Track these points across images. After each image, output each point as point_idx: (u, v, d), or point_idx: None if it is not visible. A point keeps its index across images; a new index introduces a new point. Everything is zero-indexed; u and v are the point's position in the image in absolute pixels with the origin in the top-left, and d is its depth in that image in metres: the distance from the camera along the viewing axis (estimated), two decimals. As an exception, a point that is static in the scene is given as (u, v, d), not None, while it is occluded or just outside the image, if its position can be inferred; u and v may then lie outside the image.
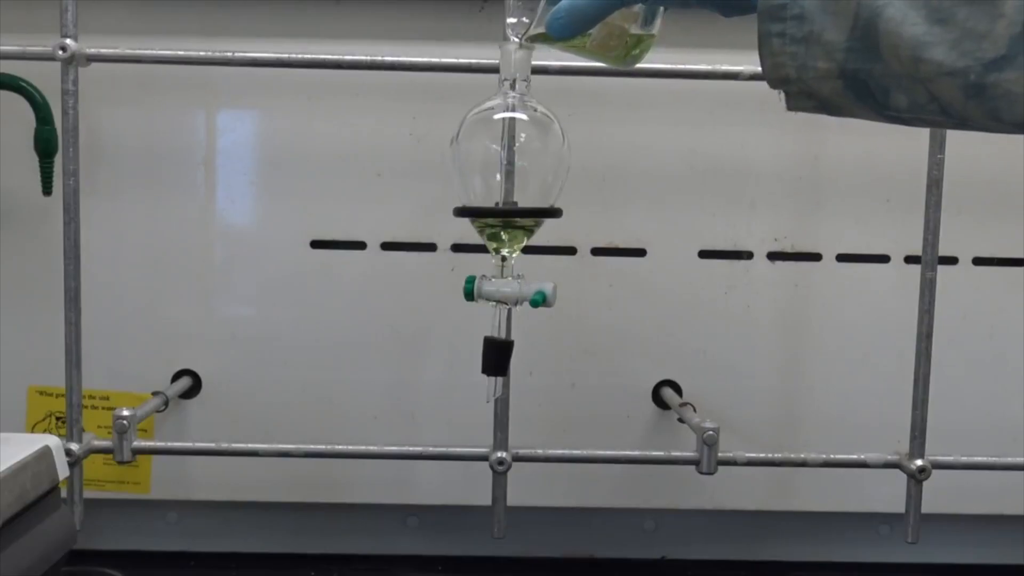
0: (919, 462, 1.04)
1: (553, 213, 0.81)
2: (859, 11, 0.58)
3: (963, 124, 0.60)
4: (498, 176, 0.78)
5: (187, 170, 1.13)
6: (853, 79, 0.60)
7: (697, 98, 1.11)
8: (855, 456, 1.06)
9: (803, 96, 0.63)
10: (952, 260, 1.13)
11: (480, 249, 1.12)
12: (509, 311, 0.77)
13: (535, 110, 0.79)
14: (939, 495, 1.07)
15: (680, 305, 1.15)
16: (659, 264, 1.14)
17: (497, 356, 0.77)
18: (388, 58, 1.01)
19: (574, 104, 1.11)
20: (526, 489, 1.09)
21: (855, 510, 1.19)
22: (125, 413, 1.00)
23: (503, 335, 0.77)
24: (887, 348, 1.14)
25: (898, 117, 0.62)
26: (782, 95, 0.64)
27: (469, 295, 0.77)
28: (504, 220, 0.77)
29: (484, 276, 0.77)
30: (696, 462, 1.03)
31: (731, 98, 1.10)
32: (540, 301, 0.75)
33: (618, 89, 1.09)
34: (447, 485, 1.15)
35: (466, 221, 1.04)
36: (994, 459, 1.07)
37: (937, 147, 1.00)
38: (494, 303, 0.77)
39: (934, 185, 1.01)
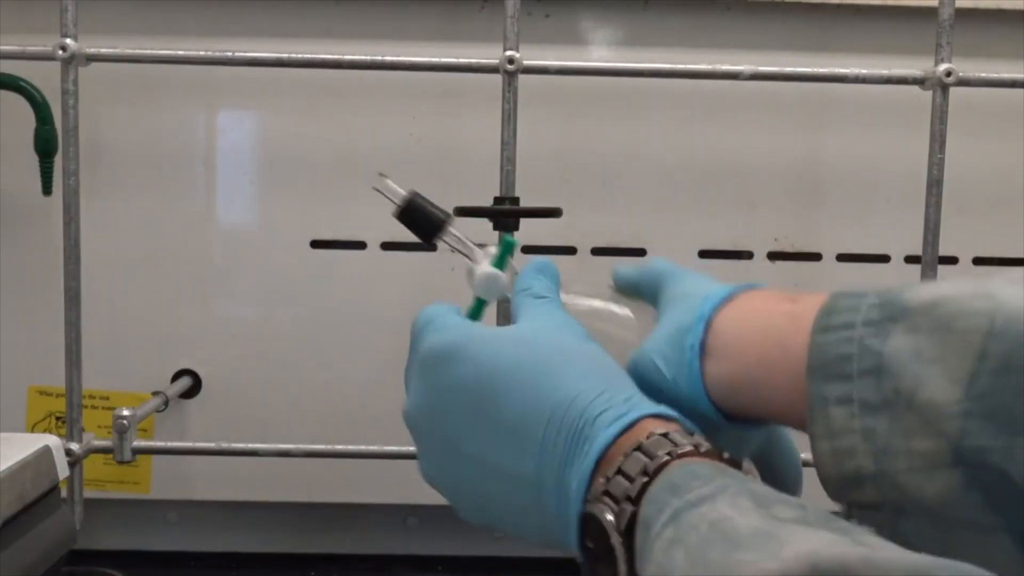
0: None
1: (553, 212, 0.81)
2: (987, 347, 0.36)
3: None
4: None
5: (187, 170, 1.13)
6: (978, 468, 0.36)
7: (697, 98, 1.11)
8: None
9: (882, 520, 0.39)
10: (952, 260, 1.13)
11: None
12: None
13: None
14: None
15: (680, 305, 1.15)
16: (659, 264, 1.14)
17: (424, 216, 0.61)
18: (388, 58, 1.01)
19: (574, 104, 1.11)
20: (526, 489, 1.09)
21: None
22: (125, 413, 1.00)
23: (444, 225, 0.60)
24: (887, 348, 1.14)
25: None
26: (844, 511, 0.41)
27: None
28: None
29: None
30: (696, 462, 1.02)
31: (731, 98, 1.10)
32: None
33: (618, 89, 1.09)
34: (447, 485, 1.15)
35: (466, 221, 1.05)
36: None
37: (937, 147, 1.00)
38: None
39: (934, 185, 1.01)
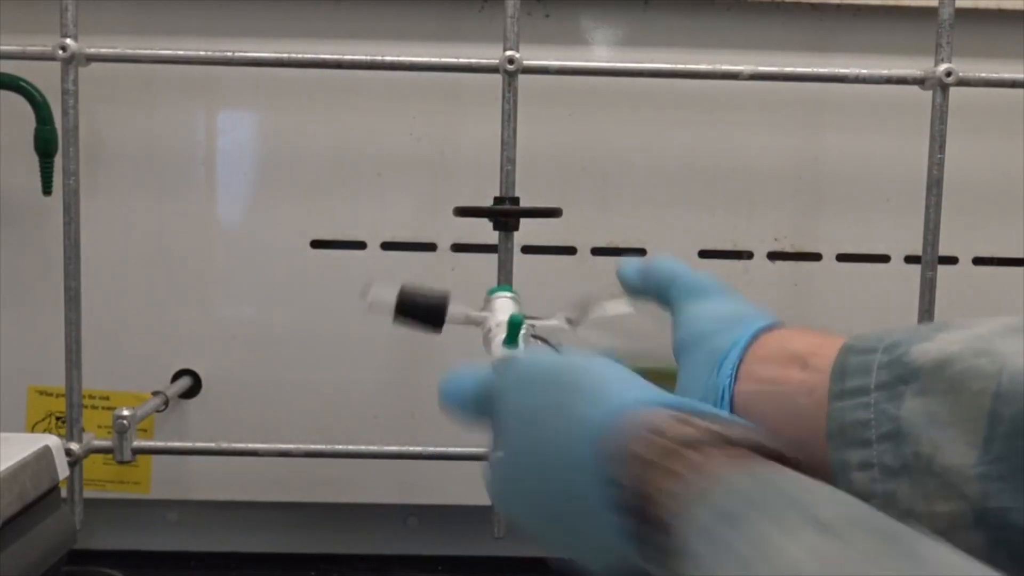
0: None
1: (553, 212, 0.81)
2: (997, 408, 0.36)
3: None
4: None
5: (187, 170, 1.13)
6: (1002, 528, 0.36)
7: (697, 98, 1.11)
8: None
9: None
10: (952, 260, 1.13)
11: (480, 249, 1.12)
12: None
13: None
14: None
15: (680, 305, 1.15)
16: (659, 264, 1.14)
17: (424, 308, 0.61)
18: (388, 58, 1.01)
19: (574, 104, 1.11)
20: (526, 489, 1.09)
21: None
22: (125, 413, 1.00)
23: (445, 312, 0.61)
24: (887, 348, 1.14)
25: None
26: None
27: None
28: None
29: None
30: (696, 462, 1.02)
31: (731, 98, 1.10)
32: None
33: (618, 89, 1.09)
34: (447, 485, 1.15)
35: (466, 221, 1.05)
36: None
37: (937, 147, 1.00)
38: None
39: (934, 185, 1.01)
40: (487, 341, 0.58)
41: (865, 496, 0.38)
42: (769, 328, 0.49)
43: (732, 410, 0.47)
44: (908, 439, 0.39)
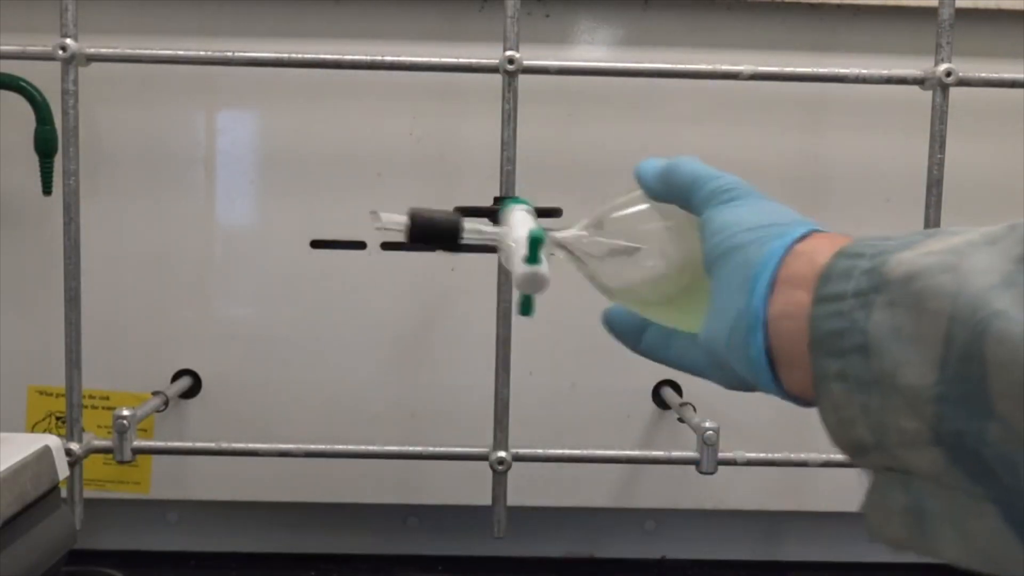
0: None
1: (553, 212, 0.81)
2: (952, 332, 0.36)
3: None
4: None
5: (187, 170, 1.13)
6: (957, 447, 0.37)
7: (697, 98, 1.11)
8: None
9: (896, 480, 0.40)
10: (952, 260, 1.13)
11: (480, 248, 1.12)
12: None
13: None
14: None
15: (680, 305, 1.15)
16: (659, 264, 1.14)
17: (440, 227, 0.58)
18: (388, 58, 1.01)
19: (574, 104, 1.11)
20: (526, 489, 1.09)
21: (856, 510, 1.19)
22: (125, 413, 1.00)
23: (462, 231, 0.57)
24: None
25: None
26: (865, 480, 0.43)
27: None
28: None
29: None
30: (696, 462, 1.02)
31: (731, 98, 1.10)
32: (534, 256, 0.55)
33: (618, 89, 1.09)
34: (447, 485, 1.15)
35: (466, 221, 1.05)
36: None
37: (937, 147, 1.00)
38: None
39: (934, 185, 1.01)
40: (507, 258, 0.56)
41: (842, 406, 0.41)
42: (803, 237, 0.47)
43: (766, 335, 0.45)
44: (875, 353, 0.39)
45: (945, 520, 0.39)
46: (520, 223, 0.57)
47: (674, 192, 0.54)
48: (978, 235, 0.40)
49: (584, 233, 0.58)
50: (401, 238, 0.57)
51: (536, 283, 0.54)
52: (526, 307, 0.55)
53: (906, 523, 0.40)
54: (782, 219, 0.49)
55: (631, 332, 0.58)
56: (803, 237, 0.47)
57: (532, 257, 0.54)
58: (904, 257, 0.40)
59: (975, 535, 0.38)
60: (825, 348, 0.41)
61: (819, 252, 0.44)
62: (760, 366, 0.46)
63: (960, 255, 0.38)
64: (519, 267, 0.53)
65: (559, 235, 0.58)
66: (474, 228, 0.57)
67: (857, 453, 0.42)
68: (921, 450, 0.38)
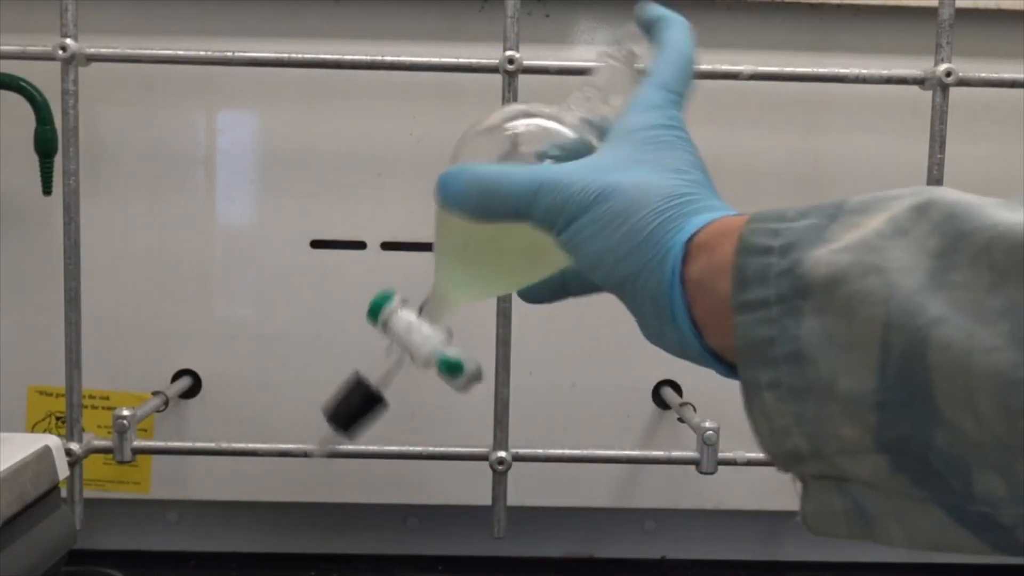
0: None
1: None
2: (888, 338, 0.36)
3: None
4: None
5: (187, 170, 1.13)
6: (901, 453, 0.37)
7: (697, 98, 1.10)
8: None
9: (832, 485, 0.40)
10: (952, 260, 1.13)
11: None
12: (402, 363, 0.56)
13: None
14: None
15: (680, 305, 1.14)
16: (659, 264, 1.14)
17: (358, 406, 0.58)
18: (388, 58, 1.01)
19: (574, 104, 1.11)
20: (526, 489, 1.09)
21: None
22: (125, 413, 1.00)
23: (376, 386, 0.57)
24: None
25: (995, 520, 0.36)
26: (798, 486, 0.43)
27: (374, 313, 0.56)
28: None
29: (403, 303, 0.55)
30: (696, 462, 1.03)
31: (731, 98, 1.10)
32: (452, 369, 0.53)
33: (618, 89, 1.09)
34: (447, 485, 1.15)
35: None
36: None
37: (937, 147, 1.00)
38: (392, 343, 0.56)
39: (934, 185, 1.01)
40: (416, 356, 0.54)
41: (775, 415, 0.40)
42: (690, 241, 0.44)
43: (715, 354, 0.44)
44: (809, 361, 0.38)
45: (889, 518, 0.39)
46: (414, 340, 0.54)
47: (497, 220, 0.49)
48: (884, 223, 0.38)
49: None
50: (341, 443, 0.57)
51: (473, 380, 0.52)
52: (455, 368, 0.53)
53: (848, 522, 0.40)
54: (643, 227, 0.45)
55: (553, 296, 0.56)
56: (686, 255, 0.44)
57: (451, 372, 0.52)
58: (820, 257, 0.38)
59: (922, 530, 0.38)
60: (755, 356, 0.40)
61: (717, 269, 0.42)
62: (721, 371, 0.45)
63: (877, 252, 0.37)
64: (451, 384, 0.52)
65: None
66: (382, 377, 0.56)
67: (791, 462, 0.41)
68: (862, 457, 0.38)
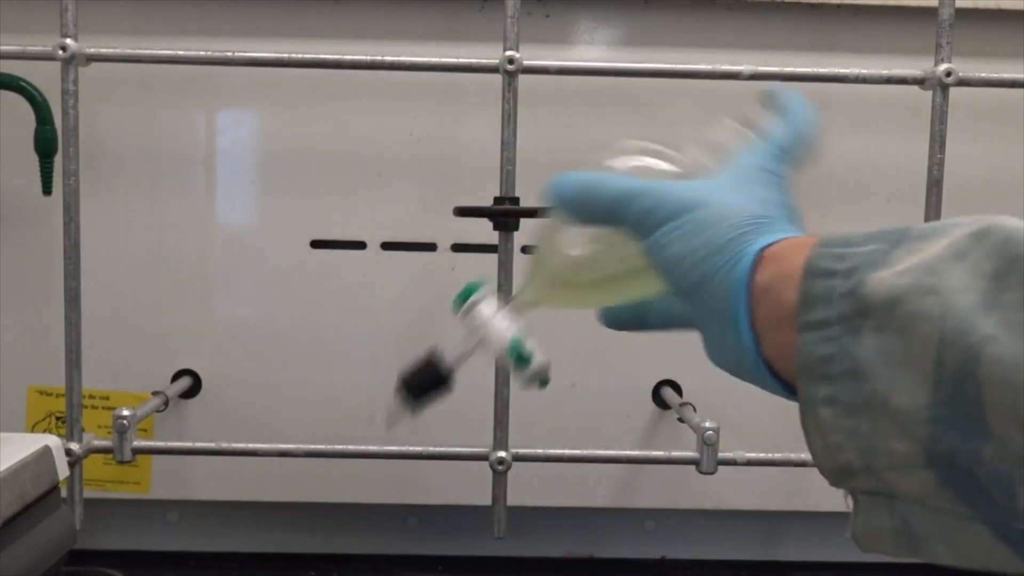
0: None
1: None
2: (943, 355, 0.37)
3: None
4: None
5: (187, 170, 1.13)
6: (950, 468, 0.38)
7: (697, 98, 1.11)
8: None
9: (881, 503, 0.41)
10: (952, 260, 1.13)
11: (480, 249, 1.12)
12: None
13: None
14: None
15: (680, 305, 1.15)
16: (659, 264, 1.14)
17: (431, 380, 0.62)
18: (388, 58, 1.01)
19: (574, 104, 1.11)
20: (526, 489, 1.09)
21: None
22: (125, 413, 1.00)
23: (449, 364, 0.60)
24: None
25: None
26: (849, 500, 0.44)
27: (465, 296, 0.59)
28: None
29: (492, 293, 0.58)
30: (696, 462, 1.03)
31: (731, 98, 1.10)
32: (522, 359, 0.58)
33: (618, 89, 1.09)
34: (447, 485, 1.15)
35: (466, 221, 1.05)
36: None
37: (937, 147, 1.00)
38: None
39: (934, 185, 1.01)
40: (495, 343, 0.58)
41: (830, 431, 0.41)
42: (763, 250, 0.47)
43: (769, 367, 0.46)
44: (866, 377, 0.40)
45: (936, 539, 0.40)
46: (493, 327, 0.58)
47: (596, 220, 0.53)
48: (947, 247, 0.40)
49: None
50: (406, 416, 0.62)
51: (540, 375, 0.58)
52: (525, 359, 0.58)
53: (896, 542, 0.41)
54: (722, 236, 0.48)
55: (632, 322, 0.59)
56: (763, 249, 0.47)
57: (520, 362, 0.57)
58: (883, 279, 0.40)
59: (969, 550, 0.39)
60: (814, 373, 0.42)
61: (784, 277, 0.44)
62: (771, 385, 0.47)
63: (936, 275, 0.39)
64: (517, 375, 0.57)
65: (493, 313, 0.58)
66: (457, 358, 0.59)
67: (843, 477, 0.42)
68: (912, 472, 0.39)
